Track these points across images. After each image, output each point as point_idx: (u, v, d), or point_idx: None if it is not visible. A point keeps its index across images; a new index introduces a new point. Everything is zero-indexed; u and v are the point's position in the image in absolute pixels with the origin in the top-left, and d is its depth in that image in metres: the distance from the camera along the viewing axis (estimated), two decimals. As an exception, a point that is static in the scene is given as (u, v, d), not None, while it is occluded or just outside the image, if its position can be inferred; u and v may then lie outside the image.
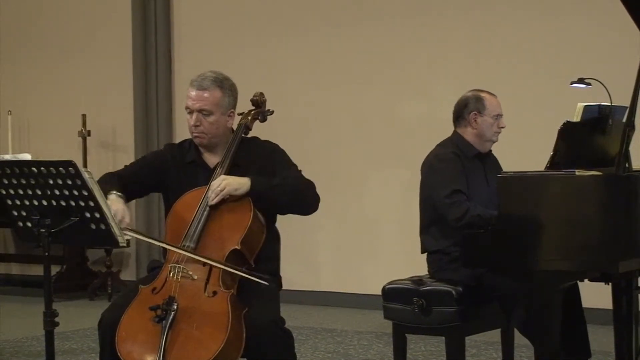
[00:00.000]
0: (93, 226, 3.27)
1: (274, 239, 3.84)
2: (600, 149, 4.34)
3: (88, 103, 8.73)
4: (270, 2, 8.08)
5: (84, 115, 8.53)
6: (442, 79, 7.21)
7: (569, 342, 4.39)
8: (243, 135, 3.84)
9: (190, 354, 3.33)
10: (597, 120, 4.29)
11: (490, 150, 4.62)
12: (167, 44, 8.49)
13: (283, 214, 3.87)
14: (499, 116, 4.52)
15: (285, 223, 3.98)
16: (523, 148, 6.20)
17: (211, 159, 3.84)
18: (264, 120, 3.97)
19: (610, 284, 4.27)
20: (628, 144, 3.69)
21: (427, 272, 4.51)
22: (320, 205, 3.79)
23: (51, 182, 3.25)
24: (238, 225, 3.58)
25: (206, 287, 3.48)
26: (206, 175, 3.76)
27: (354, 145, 7.67)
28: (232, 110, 3.83)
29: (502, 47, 7.04)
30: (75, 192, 3.23)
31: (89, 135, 8.53)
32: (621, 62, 5.21)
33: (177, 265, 3.54)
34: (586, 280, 4.10)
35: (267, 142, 3.92)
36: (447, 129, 4.62)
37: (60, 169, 3.22)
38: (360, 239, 7.66)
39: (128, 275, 8.55)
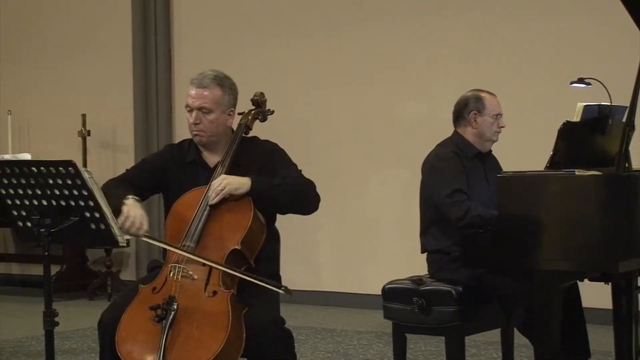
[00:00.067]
0: (93, 226, 3.28)
1: (274, 238, 3.84)
2: (600, 149, 4.34)
3: (88, 103, 8.73)
4: (270, 2, 8.07)
5: (84, 115, 8.53)
6: (442, 79, 7.21)
7: (569, 342, 4.39)
8: (243, 134, 3.84)
9: (191, 353, 3.32)
10: (597, 120, 4.29)
11: (490, 150, 4.62)
12: (167, 44, 8.48)
13: (283, 213, 3.86)
14: (498, 116, 4.52)
15: (285, 223, 3.98)
16: (523, 148, 6.20)
17: (211, 159, 3.84)
18: (264, 120, 3.97)
19: (610, 283, 4.27)
20: (628, 143, 3.69)
21: (427, 272, 4.50)
22: (320, 205, 3.79)
23: (51, 182, 3.25)
24: (238, 225, 3.58)
25: (206, 287, 3.48)
26: (206, 174, 3.76)
27: (354, 145, 7.67)
28: (232, 109, 3.82)
29: (502, 47, 7.04)
30: (75, 192, 3.24)
31: (89, 135, 8.53)
32: (621, 62, 5.20)
33: (177, 265, 3.54)
34: (586, 280, 4.10)
35: (267, 141, 3.91)
36: (447, 129, 4.62)
37: (60, 168, 3.22)
38: (360, 239, 7.66)
39: (128, 275, 8.54)
